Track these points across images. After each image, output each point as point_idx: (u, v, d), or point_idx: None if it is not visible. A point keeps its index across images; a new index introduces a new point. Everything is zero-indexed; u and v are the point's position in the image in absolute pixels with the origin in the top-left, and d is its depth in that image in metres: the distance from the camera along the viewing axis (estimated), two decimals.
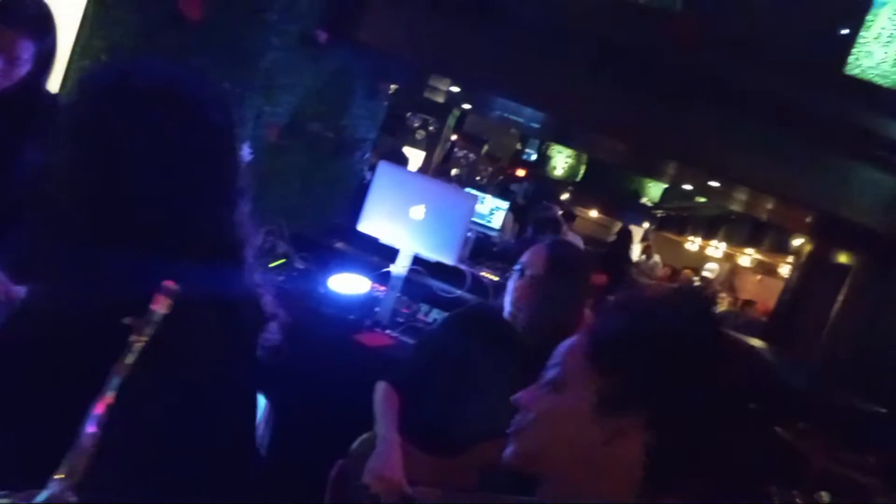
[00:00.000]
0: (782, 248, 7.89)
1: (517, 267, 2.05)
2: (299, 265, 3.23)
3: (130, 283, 0.94)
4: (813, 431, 2.97)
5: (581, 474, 0.84)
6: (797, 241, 7.18)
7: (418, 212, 2.75)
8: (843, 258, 5.67)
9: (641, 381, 0.83)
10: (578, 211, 16.98)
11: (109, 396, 0.90)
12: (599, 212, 16.63)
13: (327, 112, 3.96)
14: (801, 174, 4.89)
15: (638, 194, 15.21)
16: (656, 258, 11.90)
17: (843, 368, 4.60)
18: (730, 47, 4.20)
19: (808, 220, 6.29)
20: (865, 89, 4.25)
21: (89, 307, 0.94)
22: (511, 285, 2.03)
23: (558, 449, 0.87)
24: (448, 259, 2.77)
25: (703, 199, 10.14)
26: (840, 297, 5.18)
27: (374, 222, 2.82)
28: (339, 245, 3.87)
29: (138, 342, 0.92)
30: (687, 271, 12.98)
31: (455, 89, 5.52)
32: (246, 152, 3.24)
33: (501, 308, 2.07)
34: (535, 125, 6.11)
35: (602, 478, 0.84)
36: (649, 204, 15.15)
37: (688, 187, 6.64)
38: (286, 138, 3.69)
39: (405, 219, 2.76)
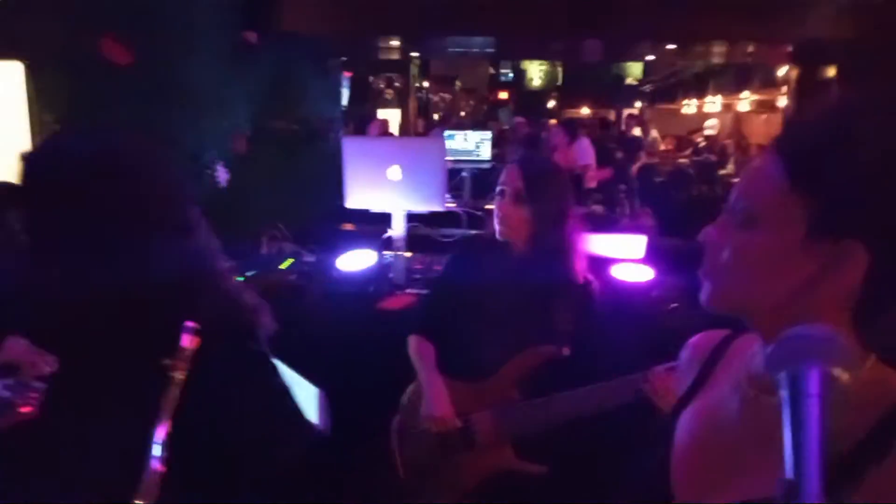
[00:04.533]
0: (773, 83, 7.78)
1: (497, 189, 2.13)
2: (309, 258, 3.35)
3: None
4: None
5: (790, 312, 0.74)
6: (782, 71, 7.08)
7: (395, 172, 2.83)
8: (829, 73, 5.60)
9: (858, 199, 0.71)
10: (570, 112, 16.82)
11: (165, 424, 1.06)
12: (590, 107, 16.43)
13: (286, 106, 4.02)
14: (765, 10, 4.84)
15: (621, 77, 14.96)
16: (654, 133, 11.80)
17: None
18: None
19: (788, 49, 6.22)
20: None
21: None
22: (496, 207, 2.12)
23: (765, 288, 0.78)
24: (436, 206, 2.86)
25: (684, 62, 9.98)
26: None
27: (359, 195, 2.92)
28: (346, 226, 3.97)
29: (179, 375, 1.08)
30: (694, 135, 12.87)
31: (396, 42, 5.51)
32: (222, 173, 3.34)
33: (493, 233, 2.16)
34: (491, 50, 6.07)
35: (819, 308, 0.75)
36: (635, 83, 14.90)
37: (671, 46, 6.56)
38: (256, 144, 3.78)
39: (385, 182, 2.85)
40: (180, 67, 3.30)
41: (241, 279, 2.91)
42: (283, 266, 3.11)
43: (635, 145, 8.68)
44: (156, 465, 1.05)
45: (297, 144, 4.05)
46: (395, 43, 6.09)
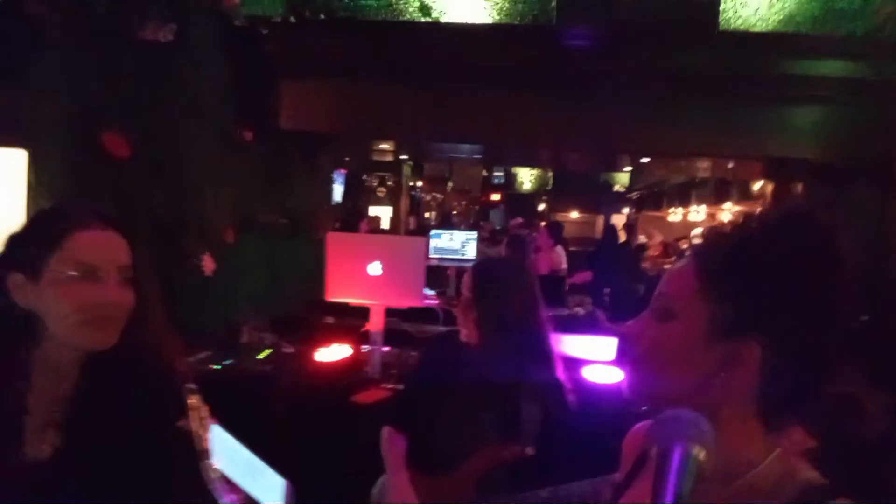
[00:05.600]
0: (750, 196, 8.10)
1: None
2: (287, 349, 3.38)
3: None
4: None
5: (698, 403, 0.79)
6: (757, 186, 7.39)
7: (375, 268, 2.93)
8: (799, 188, 5.88)
9: (756, 304, 0.81)
10: (560, 216, 17.26)
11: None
12: (579, 211, 16.89)
13: (275, 199, 4.18)
14: (740, 130, 5.15)
15: (609, 184, 15.46)
16: (642, 238, 12.07)
17: None
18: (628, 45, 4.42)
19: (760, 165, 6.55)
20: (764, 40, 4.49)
21: None
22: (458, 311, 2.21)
23: (674, 378, 0.85)
24: (414, 302, 2.94)
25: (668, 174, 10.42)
26: None
27: (340, 289, 2.99)
28: (327, 319, 4.03)
29: (202, 433, 1.16)
30: (680, 242, 13.16)
31: (388, 146, 5.79)
32: (208, 262, 3.43)
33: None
34: (478, 156, 6.36)
35: (719, 404, 0.82)
36: (622, 190, 15.38)
37: (645, 160, 6.89)
38: (243, 234, 3.89)
39: (366, 277, 2.94)
40: (176, 158, 3.46)
41: (218, 367, 2.94)
42: (261, 356, 3.15)
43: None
44: None
45: (283, 237, 4.17)
46: (387, 146, 6.38)
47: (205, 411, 1.17)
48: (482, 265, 2.30)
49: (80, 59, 3.28)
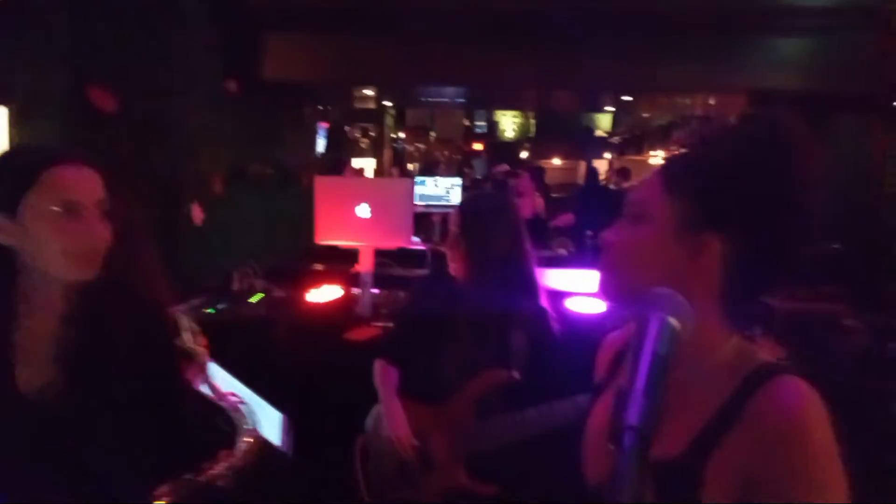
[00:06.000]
0: None
1: None
2: (279, 293, 3.46)
3: None
4: None
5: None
6: None
7: (364, 210, 2.99)
8: None
9: (713, 200, 0.90)
10: (543, 163, 17.27)
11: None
12: (561, 158, 16.90)
13: (262, 151, 4.20)
14: (719, 64, 5.16)
15: (591, 129, 15.47)
16: (626, 185, 12.15)
17: None
18: None
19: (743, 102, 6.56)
20: None
21: None
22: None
23: (645, 272, 0.92)
24: (402, 242, 3.01)
25: (648, 114, 10.44)
26: None
27: (329, 231, 3.06)
28: (316, 266, 4.11)
29: (202, 350, 1.20)
30: None
31: (371, 92, 5.78)
32: (197, 212, 3.47)
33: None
34: (461, 100, 6.36)
35: (691, 292, 0.86)
36: (604, 135, 15.41)
37: (627, 98, 6.89)
38: (233, 185, 3.93)
39: (354, 220, 3.01)
40: (163, 112, 3.47)
41: (212, 311, 3.02)
42: (253, 300, 3.23)
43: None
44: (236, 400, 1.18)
45: (271, 187, 4.21)
46: (370, 93, 6.36)
47: (195, 326, 1.20)
48: (468, 200, 2.38)
49: (63, 14, 3.26)
